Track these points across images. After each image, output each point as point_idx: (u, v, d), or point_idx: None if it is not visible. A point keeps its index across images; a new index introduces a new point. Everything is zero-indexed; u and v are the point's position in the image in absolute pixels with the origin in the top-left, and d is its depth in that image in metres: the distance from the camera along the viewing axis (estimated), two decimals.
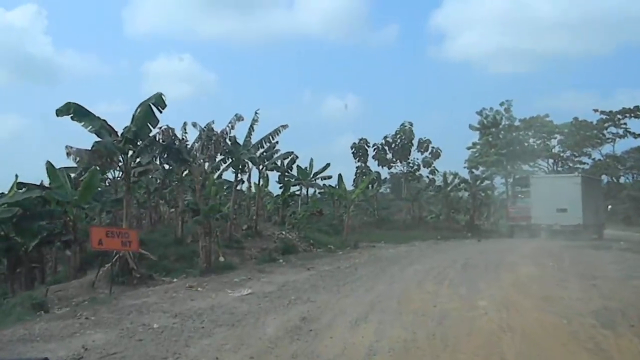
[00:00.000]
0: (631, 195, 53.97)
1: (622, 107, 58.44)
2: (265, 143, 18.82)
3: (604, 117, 59.99)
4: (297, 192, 33.21)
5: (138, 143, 11.61)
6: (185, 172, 17.27)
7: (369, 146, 36.03)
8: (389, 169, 36.39)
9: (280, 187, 30.90)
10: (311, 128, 72.08)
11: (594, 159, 63.32)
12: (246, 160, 18.33)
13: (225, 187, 27.24)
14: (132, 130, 10.92)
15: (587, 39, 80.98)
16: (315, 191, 33.35)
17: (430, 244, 23.77)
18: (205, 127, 15.01)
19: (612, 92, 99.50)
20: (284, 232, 20.28)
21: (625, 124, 58.78)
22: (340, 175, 29.13)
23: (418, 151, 35.84)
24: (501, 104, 59.83)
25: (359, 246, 20.68)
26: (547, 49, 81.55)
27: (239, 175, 18.93)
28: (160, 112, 11.24)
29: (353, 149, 35.53)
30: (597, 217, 26.62)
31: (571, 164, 65.24)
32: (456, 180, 36.91)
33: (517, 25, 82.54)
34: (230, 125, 14.84)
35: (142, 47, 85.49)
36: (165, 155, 13.11)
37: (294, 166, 30.97)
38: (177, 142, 13.39)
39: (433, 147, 35.82)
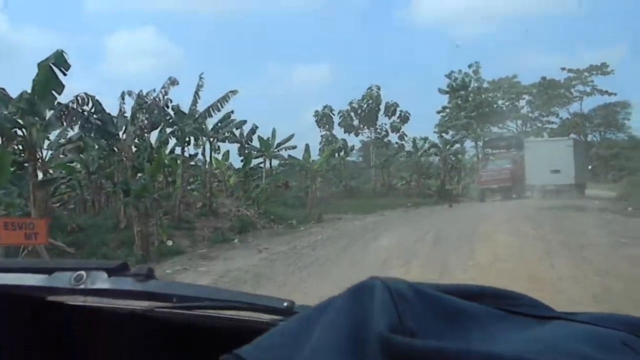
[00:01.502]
0: (599, 153, 54.01)
1: (589, 64, 58.02)
2: (214, 111, 16.89)
3: (571, 75, 59.59)
4: (261, 165, 31.61)
5: (45, 115, 9.60)
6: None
7: (334, 113, 34.33)
8: (356, 135, 34.86)
9: (242, 160, 29.17)
10: (279, 100, 70.03)
11: (561, 119, 63.30)
12: (192, 131, 16.39)
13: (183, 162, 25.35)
14: (27, 99, 8.90)
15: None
16: (279, 163, 31.74)
17: (400, 213, 22.49)
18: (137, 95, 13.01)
19: (578, 52, 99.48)
20: (241, 209, 18.57)
21: (592, 81, 58.52)
22: (307, 145, 27.42)
23: (385, 116, 34.36)
24: (469, 66, 58.74)
25: (323, 219, 19.22)
26: (512, 9, 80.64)
27: (186, 148, 17.06)
28: (65, 74, 9.25)
29: (317, 118, 33.75)
30: (583, 177, 28.26)
31: (539, 125, 65.09)
32: (426, 145, 35.69)
33: None
34: (163, 90, 12.89)
35: (103, 20, 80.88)
36: (85, 128, 11.06)
37: (255, 137, 29.28)
38: (99, 113, 11.38)
39: (401, 111, 34.37)
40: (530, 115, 65.56)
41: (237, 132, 28.79)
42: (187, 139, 16.37)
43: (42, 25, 77.66)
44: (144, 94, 14.51)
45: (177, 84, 13.26)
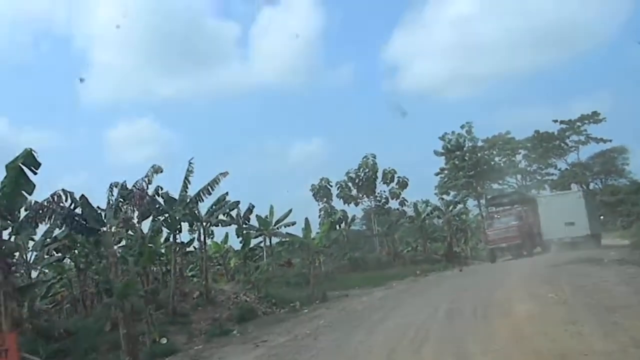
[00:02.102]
0: (604, 200, 53.13)
1: (580, 114, 58.66)
2: (205, 194, 16.37)
3: (564, 126, 60.07)
4: (262, 244, 30.79)
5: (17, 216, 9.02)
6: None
7: (331, 185, 33.98)
8: (355, 205, 34.30)
9: (240, 242, 28.35)
10: (278, 177, 70.57)
11: (559, 170, 63.08)
12: (183, 217, 15.79)
13: (176, 250, 24.61)
14: None
15: (534, 54, 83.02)
16: (279, 241, 30.88)
17: (408, 283, 21.39)
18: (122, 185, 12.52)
19: (567, 103, 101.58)
20: (238, 295, 17.55)
21: (585, 130, 58.87)
22: (306, 220, 26.66)
23: (384, 183, 33.96)
24: (462, 127, 59.44)
25: (328, 298, 18.11)
26: (497, 69, 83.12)
27: (180, 235, 16.39)
28: (35, 173, 8.78)
29: (313, 191, 33.33)
30: (597, 227, 28.41)
31: (539, 177, 64.76)
32: (428, 209, 35.04)
33: (464, 50, 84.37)
34: (147, 179, 12.40)
35: (100, 116, 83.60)
36: (66, 226, 10.45)
37: (253, 216, 28.65)
38: (81, 208, 10.82)
39: (399, 177, 34.01)
40: (528, 169, 65.47)
41: (234, 213, 28.31)
42: (179, 225, 15.71)
43: (40, 125, 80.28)
44: (131, 183, 14.15)
45: (161, 171, 12.80)
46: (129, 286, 10.72)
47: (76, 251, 16.71)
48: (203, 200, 16.45)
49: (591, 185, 59.10)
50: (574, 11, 79.73)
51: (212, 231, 19.92)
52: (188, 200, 16.12)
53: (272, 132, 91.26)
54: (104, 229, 11.12)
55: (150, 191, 16.63)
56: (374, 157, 33.45)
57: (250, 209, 28.22)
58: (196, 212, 17.09)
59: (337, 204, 33.89)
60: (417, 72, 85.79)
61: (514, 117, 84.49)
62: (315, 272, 29.21)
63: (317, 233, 29.10)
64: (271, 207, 28.44)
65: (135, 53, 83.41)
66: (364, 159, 33.49)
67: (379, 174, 33.79)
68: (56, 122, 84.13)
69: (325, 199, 33.32)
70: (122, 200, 11.56)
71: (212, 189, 16.35)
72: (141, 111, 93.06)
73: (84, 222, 10.61)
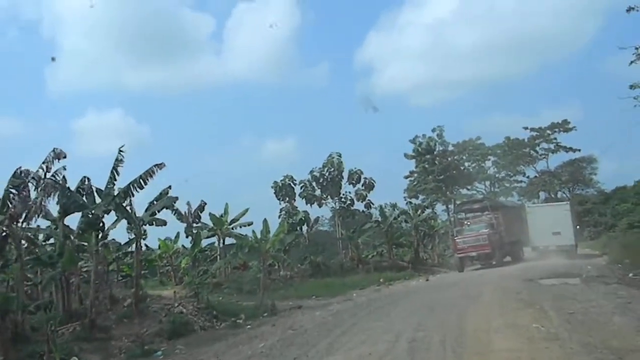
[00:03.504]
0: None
1: (550, 122, 58.31)
2: (136, 188, 13.99)
3: (534, 134, 59.66)
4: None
5: None
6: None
7: (295, 183, 31.81)
8: (319, 206, 32.22)
9: (191, 242, 25.94)
10: (249, 175, 68.33)
11: (528, 177, 62.71)
12: (104, 213, 13.39)
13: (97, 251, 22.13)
14: None
15: (507, 62, 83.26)
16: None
17: (370, 294, 19.47)
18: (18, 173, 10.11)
19: (537, 112, 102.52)
20: (174, 305, 15.21)
21: (555, 138, 58.58)
22: (265, 221, 24.29)
23: (349, 184, 32.01)
24: (433, 130, 58.28)
25: (277, 311, 15.98)
26: (470, 75, 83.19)
27: (102, 233, 13.98)
28: None
29: (275, 189, 31.09)
30: (577, 237, 29.96)
31: (507, 185, 64.27)
32: (396, 212, 33.26)
33: (439, 55, 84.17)
34: (45, 165, 10.03)
35: (69, 105, 79.62)
36: None
37: (204, 214, 26.31)
38: None
39: (365, 178, 32.09)
40: (497, 175, 64.96)
41: (184, 211, 25.91)
42: (99, 221, 13.33)
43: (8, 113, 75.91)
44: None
45: (64, 156, 10.44)
46: (8, 301, 8.34)
47: None
48: (133, 195, 14.05)
49: (559, 194, 58.80)
50: (548, 21, 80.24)
51: (144, 230, 17.41)
52: (115, 194, 13.71)
53: (244, 129, 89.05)
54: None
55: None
56: (340, 155, 31.46)
57: (202, 206, 25.96)
58: (128, 208, 14.67)
59: (301, 204, 31.78)
60: (391, 74, 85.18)
61: (485, 124, 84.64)
62: (272, 277, 27.18)
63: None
64: (226, 205, 26.19)
65: (105, 41, 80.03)
66: (329, 158, 31.45)
67: (345, 174, 31.82)
68: (22, 110, 79.97)
69: (287, 199, 31.12)
70: (14, 190, 9.13)
71: (145, 182, 13.99)
72: (111, 101, 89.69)
73: None
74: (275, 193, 30.98)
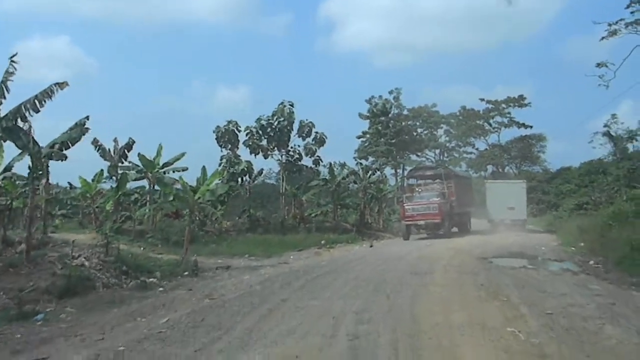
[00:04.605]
0: None
1: (507, 96, 57.91)
2: (29, 110, 11.14)
3: (489, 106, 59.21)
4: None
5: None
6: None
7: (239, 130, 29.13)
8: (264, 157, 29.83)
9: (116, 182, 23.05)
10: (199, 120, 64.69)
11: (477, 149, 62.76)
12: None
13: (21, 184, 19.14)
14: None
15: (468, 34, 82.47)
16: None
17: (308, 257, 17.71)
18: None
19: (492, 87, 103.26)
20: (74, 255, 12.70)
21: (509, 113, 58.40)
22: (203, 168, 21.48)
23: (299, 136, 29.73)
24: (390, 92, 56.57)
25: (200, 271, 13.83)
26: (432, 42, 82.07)
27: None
28: None
29: (217, 134, 28.32)
30: (527, 212, 31.88)
31: (457, 155, 64.17)
32: (345, 171, 31.50)
33: (403, 18, 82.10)
34: None
35: (12, 24, 71.32)
36: None
37: (133, 155, 23.39)
38: None
39: (317, 133, 29.90)
40: (447, 145, 64.66)
41: (110, 147, 22.88)
42: None
43: None
44: None
45: None
46: None
47: None
48: (26, 119, 11.19)
49: (507, 169, 59.22)
50: None
51: (46, 165, 14.58)
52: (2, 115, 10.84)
53: (197, 72, 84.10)
54: None
55: None
56: (292, 105, 28.89)
57: (129, 145, 23.01)
58: (22, 135, 11.81)
59: (245, 153, 29.26)
60: (353, 32, 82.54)
61: (441, 93, 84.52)
62: (206, 229, 24.93)
63: (219, 183, 24.66)
64: (159, 147, 23.33)
65: None
66: (280, 106, 28.86)
67: (295, 127, 29.44)
68: None
69: (230, 146, 28.48)
70: None
71: (42, 103, 11.14)
72: (58, 27, 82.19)
73: None
74: (216, 139, 28.23)
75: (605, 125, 36.12)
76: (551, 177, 49.48)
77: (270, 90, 71.95)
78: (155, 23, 79.13)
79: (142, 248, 19.03)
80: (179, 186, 17.27)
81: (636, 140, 36.77)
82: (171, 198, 17.48)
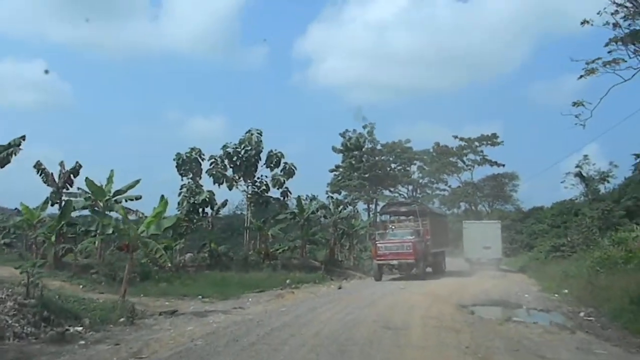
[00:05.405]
0: None
1: (480, 134, 57.99)
2: None
3: (462, 143, 59.14)
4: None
5: None
6: None
7: (203, 158, 27.35)
8: (229, 188, 28.01)
9: (59, 210, 20.81)
10: (169, 149, 63.06)
11: (450, 186, 62.32)
12: None
13: None
14: None
15: (438, 73, 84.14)
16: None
17: (268, 302, 15.79)
18: None
19: (462, 126, 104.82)
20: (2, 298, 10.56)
21: (482, 151, 58.36)
22: (162, 197, 19.22)
23: (267, 167, 28.08)
24: (364, 127, 55.91)
25: (136, 318, 11.81)
26: (403, 80, 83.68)
27: None
28: None
29: (177, 162, 26.44)
30: (502, 252, 32.75)
31: (429, 191, 63.51)
32: (314, 206, 29.84)
33: (376, 56, 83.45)
34: None
35: None
36: None
37: (80, 180, 21.25)
38: None
39: (286, 163, 28.33)
40: (420, 181, 64.11)
41: (52, 172, 20.72)
42: None
43: None
44: None
45: None
46: None
47: None
48: None
49: (479, 207, 58.70)
50: (483, 40, 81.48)
51: None
52: None
53: (171, 102, 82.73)
54: None
55: None
56: (260, 133, 27.34)
57: (76, 170, 20.90)
58: None
59: (208, 183, 27.38)
60: (327, 68, 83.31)
61: (411, 130, 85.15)
62: (161, 264, 22.71)
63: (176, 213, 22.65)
64: (111, 172, 21.24)
65: None
66: (247, 134, 27.28)
67: (263, 156, 27.84)
68: None
69: (191, 175, 26.61)
70: None
71: None
72: (33, 52, 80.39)
73: None
74: (177, 167, 26.32)
75: (577, 166, 35.85)
76: (524, 217, 48.98)
77: (244, 120, 70.98)
78: (130, 50, 77.88)
79: (81, 286, 16.87)
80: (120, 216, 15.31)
81: (608, 182, 36.53)
82: (110, 230, 15.47)
